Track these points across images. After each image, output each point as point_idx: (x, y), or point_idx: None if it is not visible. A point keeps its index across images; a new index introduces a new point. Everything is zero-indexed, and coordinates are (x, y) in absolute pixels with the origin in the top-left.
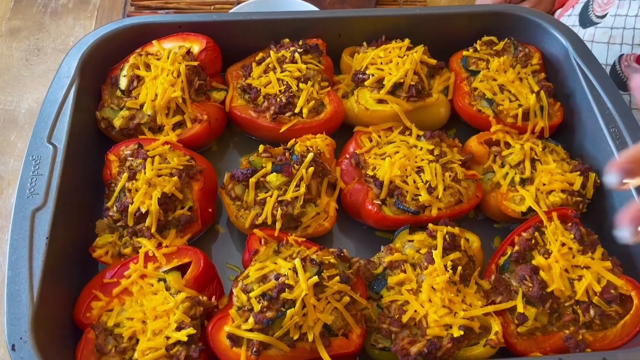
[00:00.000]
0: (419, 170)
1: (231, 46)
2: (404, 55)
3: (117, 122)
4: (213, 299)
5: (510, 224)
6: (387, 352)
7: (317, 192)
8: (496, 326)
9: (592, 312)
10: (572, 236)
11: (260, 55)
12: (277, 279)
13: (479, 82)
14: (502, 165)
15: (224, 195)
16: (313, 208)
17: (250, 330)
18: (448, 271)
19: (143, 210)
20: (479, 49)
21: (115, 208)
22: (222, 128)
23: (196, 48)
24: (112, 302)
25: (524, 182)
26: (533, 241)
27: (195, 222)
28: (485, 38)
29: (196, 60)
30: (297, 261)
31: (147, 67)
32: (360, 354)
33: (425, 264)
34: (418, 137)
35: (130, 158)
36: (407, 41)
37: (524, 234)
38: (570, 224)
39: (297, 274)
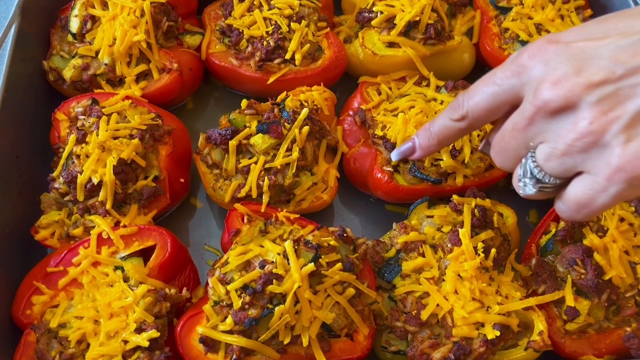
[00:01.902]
0: None
1: None
2: None
3: (68, 73)
4: (184, 291)
5: None
6: (402, 356)
7: (314, 158)
8: (540, 324)
9: None
10: (634, 208)
11: None
12: (262, 267)
13: (510, 21)
14: None
15: (198, 161)
16: (309, 177)
17: (229, 332)
18: (479, 254)
19: (95, 181)
20: None
21: (61, 179)
22: (198, 80)
23: None
24: (57, 296)
25: None
26: None
27: (162, 195)
28: None
29: None
30: (287, 244)
31: (105, 5)
32: (370, 357)
33: (450, 245)
34: (437, 88)
35: (82, 117)
36: None
37: None
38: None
39: (288, 260)
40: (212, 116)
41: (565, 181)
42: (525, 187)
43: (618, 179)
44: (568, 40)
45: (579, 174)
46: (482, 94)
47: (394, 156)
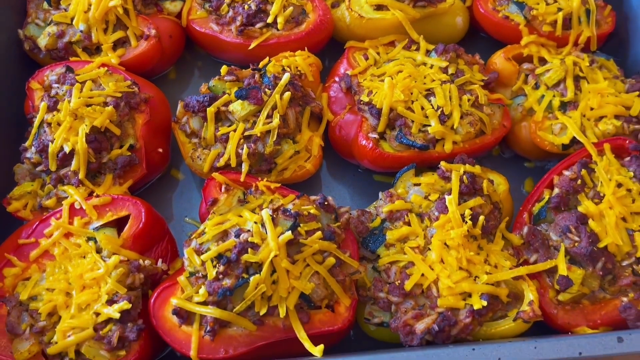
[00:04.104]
0: (429, 94)
1: None
2: None
3: (43, 42)
4: (160, 262)
5: (546, 162)
6: (386, 328)
7: (297, 125)
8: (530, 293)
9: None
10: (632, 174)
11: None
12: (237, 235)
13: None
14: (537, 87)
15: (177, 130)
16: (291, 145)
17: (204, 303)
18: (466, 222)
19: (67, 149)
20: None
21: (33, 148)
22: (179, 48)
23: None
24: (29, 268)
25: (565, 106)
26: (579, 181)
27: (138, 164)
28: None
29: None
30: (265, 212)
31: None
32: (354, 329)
33: (436, 213)
34: (427, 52)
35: (56, 85)
36: None
37: (566, 173)
38: (628, 158)
39: (265, 229)
40: (195, 86)
41: None
42: None
43: None
44: None
45: None
46: None
47: None
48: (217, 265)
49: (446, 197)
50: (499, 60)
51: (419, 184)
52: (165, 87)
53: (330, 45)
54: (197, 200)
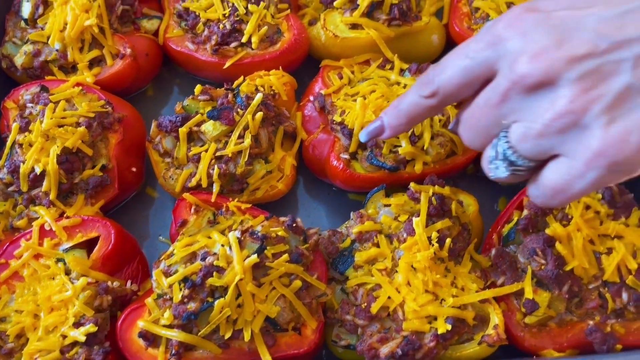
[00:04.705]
0: None
1: None
2: None
3: (19, 60)
4: (130, 283)
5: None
6: (353, 350)
7: (270, 145)
8: (496, 317)
9: (624, 296)
10: (600, 196)
11: None
12: (204, 258)
13: (481, 0)
14: None
15: (150, 150)
16: (263, 165)
17: (170, 326)
18: (433, 244)
19: (38, 170)
20: None
21: (5, 169)
22: (156, 66)
23: None
24: None
25: None
26: None
27: (110, 184)
28: None
29: None
30: (231, 235)
31: None
32: (325, 349)
33: (405, 235)
34: (401, 71)
35: (30, 105)
36: None
37: None
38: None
39: (232, 251)
40: (173, 103)
41: (539, 164)
42: (496, 170)
43: (598, 164)
44: (548, 10)
45: (555, 156)
46: (454, 68)
47: (362, 137)
48: (183, 288)
49: (414, 219)
50: None
51: (389, 205)
52: (143, 104)
53: (309, 62)
54: (170, 218)
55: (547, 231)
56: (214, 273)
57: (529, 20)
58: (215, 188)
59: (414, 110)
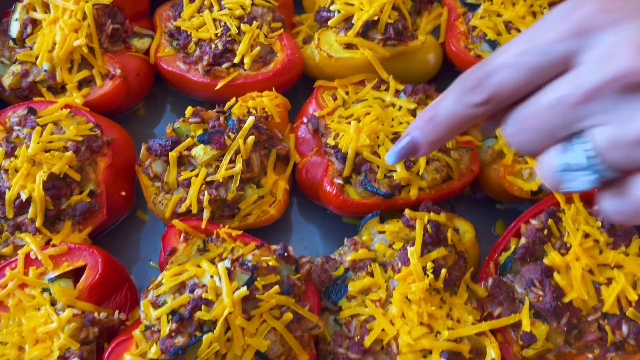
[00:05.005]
0: (395, 138)
1: None
2: None
3: (6, 81)
4: (117, 313)
5: (518, 204)
6: None
7: (262, 169)
8: (492, 350)
9: (624, 328)
10: (600, 224)
11: None
12: (192, 291)
13: (479, 19)
14: None
15: (140, 174)
16: (255, 190)
17: None
18: (428, 275)
19: (24, 197)
20: None
21: None
22: (147, 86)
23: None
24: None
25: None
26: (545, 231)
27: (99, 210)
28: None
29: None
30: (221, 266)
31: (47, 7)
32: None
33: (399, 264)
34: (397, 92)
35: (17, 127)
36: None
37: (533, 222)
38: (596, 206)
39: (221, 283)
40: (165, 123)
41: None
42: (573, 182)
43: None
44: None
45: None
46: (515, 67)
47: (391, 158)
48: (171, 321)
49: (408, 248)
50: None
51: (383, 232)
52: (134, 124)
53: (303, 80)
54: (161, 243)
55: (545, 260)
56: (203, 306)
57: (627, 5)
58: (206, 214)
59: (457, 121)
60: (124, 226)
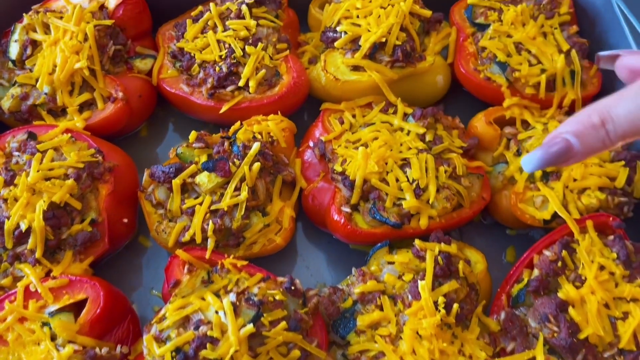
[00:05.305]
0: (405, 164)
1: None
2: (389, 4)
3: (6, 104)
4: (119, 348)
5: (528, 230)
6: None
7: (267, 196)
8: None
9: None
10: (615, 255)
11: (199, 9)
12: (197, 327)
13: (488, 39)
14: (519, 153)
15: (143, 200)
16: (260, 219)
17: None
18: (439, 310)
19: (24, 227)
20: None
21: None
22: (149, 107)
23: (112, 1)
24: None
25: (547, 176)
26: (559, 263)
27: (100, 240)
28: None
29: (111, 18)
30: (226, 302)
31: (47, 28)
32: None
33: (410, 297)
34: (405, 116)
35: (17, 153)
36: None
37: (546, 253)
38: (611, 237)
39: (226, 319)
40: (167, 144)
41: None
42: None
43: None
44: None
45: None
46: None
47: (532, 165)
48: (175, 358)
49: (419, 282)
50: (480, 124)
51: (392, 262)
52: (136, 145)
53: (310, 103)
54: (163, 270)
55: (560, 294)
56: (208, 344)
57: None
58: (210, 244)
59: (635, 129)
60: (125, 252)
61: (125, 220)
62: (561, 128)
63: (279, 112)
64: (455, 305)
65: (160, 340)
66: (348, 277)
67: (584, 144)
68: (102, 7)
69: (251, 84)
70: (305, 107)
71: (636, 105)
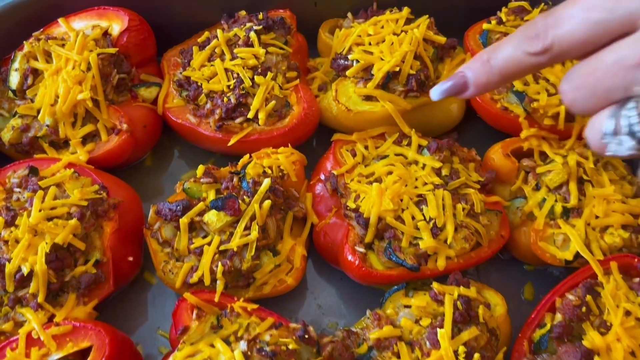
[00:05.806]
0: (420, 201)
1: (171, 21)
2: (402, 31)
3: (6, 136)
4: None
5: (547, 265)
6: None
7: (278, 234)
8: None
9: None
10: None
11: (206, 35)
12: None
13: None
14: (537, 188)
15: (149, 238)
16: (271, 259)
17: None
18: None
19: (25, 271)
20: (504, 19)
21: None
22: (154, 137)
23: (116, 28)
24: None
25: (568, 212)
26: (584, 308)
27: (105, 282)
28: (513, 3)
29: (115, 46)
30: (237, 353)
31: (48, 56)
32: None
33: (428, 345)
34: (420, 148)
35: (18, 189)
36: (406, 11)
37: (569, 297)
38: (637, 279)
39: None
40: (173, 173)
41: None
42: (618, 146)
43: None
44: None
45: None
46: (579, 21)
47: (436, 94)
48: None
49: (438, 330)
50: (497, 156)
51: (409, 306)
52: (141, 175)
53: (320, 132)
54: (170, 308)
55: (585, 342)
56: None
57: None
58: (219, 286)
59: (512, 67)
60: (131, 289)
61: (131, 259)
62: (467, 62)
63: (289, 145)
64: (477, 355)
65: None
66: (362, 318)
67: (477, 79)
68: (105, 33)
69: (261, 115)
70: (315, 135)
71: (513, 49)
